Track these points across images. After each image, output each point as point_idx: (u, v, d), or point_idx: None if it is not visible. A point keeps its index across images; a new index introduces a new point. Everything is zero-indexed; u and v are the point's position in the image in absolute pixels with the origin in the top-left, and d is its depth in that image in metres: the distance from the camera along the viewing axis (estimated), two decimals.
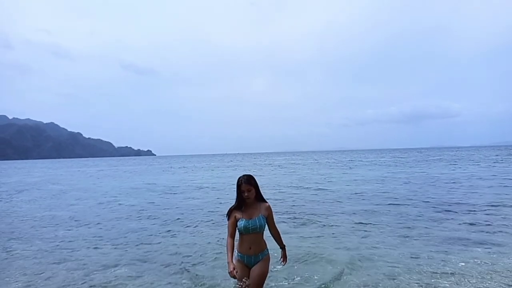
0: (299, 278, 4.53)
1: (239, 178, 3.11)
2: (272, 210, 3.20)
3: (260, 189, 3.18)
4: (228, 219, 3.15)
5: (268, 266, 3.17)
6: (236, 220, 3.06)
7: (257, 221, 3.03)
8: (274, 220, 3.26)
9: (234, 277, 2.88)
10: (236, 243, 3.13)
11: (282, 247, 3.33)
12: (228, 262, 2.92)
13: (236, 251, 3.13)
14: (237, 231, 3.10)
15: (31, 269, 5.26)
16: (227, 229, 3.13)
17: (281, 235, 3.31)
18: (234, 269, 2.90)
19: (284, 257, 3.34)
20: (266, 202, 3.19)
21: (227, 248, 3.03)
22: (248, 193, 3.04)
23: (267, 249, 3.18)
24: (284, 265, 3.37)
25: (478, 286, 4.13)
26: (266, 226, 3.17)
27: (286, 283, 4.37)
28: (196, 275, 4.83)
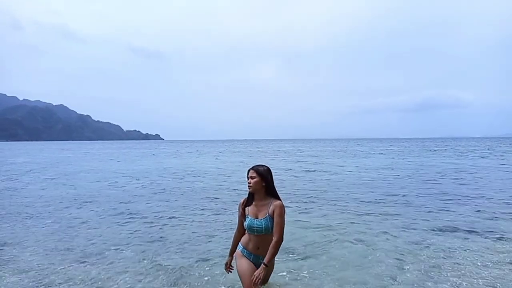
0: (305, 272, 4.31)
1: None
2: (284, 211, 2.67)
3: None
4: (238, 211, 2.91)
5: (273, 266, 2.99)
6: (244, 216, 2.79)
7: (263, 222, 2.64)
8: (281, 223, 2.62)
9: (227, 271, 3.04)
10: (244, 237, 2.86)
11: (266, 261, 2.57)
12: (228, 255, 3.02)
13: (242, 246, 2.82)
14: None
15: (40, 250, 5.36)
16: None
17: (278, 249, 2.62)
18: (228, 264, 2.98)
19: (258, 273, 2.52)
20: (279, 200, 2.72)
21: (232, 240, 2.98)
22: (251, 181, 2.70)
23: None
24: (253, 282, 2.52)
25: (483, 273, 4.15)
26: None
27: (290, 277, 4.13)
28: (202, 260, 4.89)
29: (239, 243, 2.86)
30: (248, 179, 2.75)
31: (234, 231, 2.98)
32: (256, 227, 2.64)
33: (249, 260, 2.74)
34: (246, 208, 2.77)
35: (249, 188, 2.74)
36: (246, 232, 2.79)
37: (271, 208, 2.66)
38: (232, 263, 2.97)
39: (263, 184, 2.70)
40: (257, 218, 2.67)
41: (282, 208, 2.66)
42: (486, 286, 3.84)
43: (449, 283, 3.92)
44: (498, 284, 3.85)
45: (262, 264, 2.58)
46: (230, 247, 3.01)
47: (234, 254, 2.88)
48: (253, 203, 2.75)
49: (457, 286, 3.84)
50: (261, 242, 2.69)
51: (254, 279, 2.49)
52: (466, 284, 3.87)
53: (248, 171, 2.79)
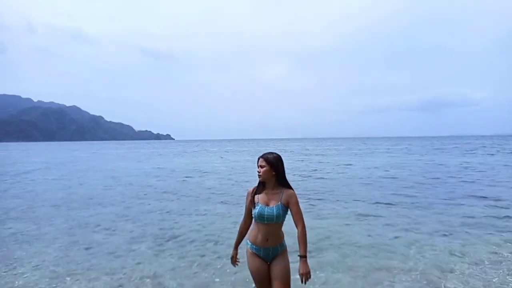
0: (318, 272, 4.31)
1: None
2: (298, 199, 2.56)
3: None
4: (246, 200, 2.71)
5: (289, 258, 2.64)
6: (253, 204, 2.61)
7: (274, 210, 2.48)
8: (300, 212, 2.52)
9: (234, 265, 2.82)
10: (250, 231, 2.68)
11: (302, 255, 2.44)
12: (233, 247, 2.82)
13: (250, 242, 2.63)
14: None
15: (54, 247, 5.49)
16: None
17: (307, 238, 2.49)
18: (234, 258, 2.81)
19: (303, 270, 2.40)
20: (291, 189, 2.60)
21: (238, 231, 2.77)
22: (261, 169, 2.56)
23: (284, 240, 2.67)
24: (304, 281, 2.42)
25: (495, 272, 4.23)
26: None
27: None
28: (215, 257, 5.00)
29: (247, 240, 2.68)
30: (258, 168, 2.61)
31: (240, 222, 2.78)
32: (267, 214, 2.47)
33: (259, 256, 2.58)
34: (256, 196, 2.61)
35: (259, 177, 2.61)
36: (253, 223, 2.63)
37: (284, 197, 2.53)
38: (239, 256, 2.81)
39: (273, 172, 2.55)
40: (268, 205, 2.52)
41: (296, 197, 2.56)
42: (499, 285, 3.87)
43: (459, 282, 3.95)
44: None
45: (300, 259, 2.43)
46: (236, 239, 2.81)
47: (245, 251, 2.70)
48: (264, 191, 2.61)
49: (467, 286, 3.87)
50: (270, 232, 2.53)
51: (305, 278, 2.40)
52: (477, 283, 3.90)
53: (258, 159, 2.63)
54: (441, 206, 8.26)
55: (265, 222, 2.49)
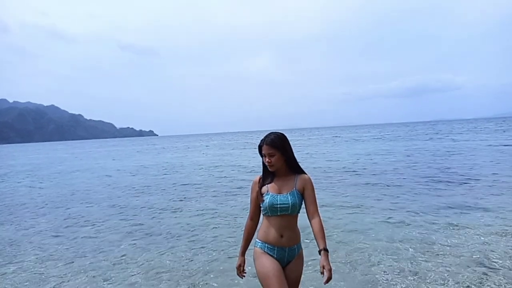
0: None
1: (262, 139, 2.21)
2: (314, 185, 2.18)
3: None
4: (251, 193, 2.25)
5: (303, 264, 2.22)
6: (261, 195, 2.14)
7: (289, 197, 2.07)
8: (316, 200, 2.17)
9: (240, 276, 2.23)
10: (259, 229, 2.21)
11: (322, 248, 1.99)
12: (239, 254, 2.26)
13: (260, 241, 2.16)
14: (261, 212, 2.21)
15: (43, 246, 5.49)
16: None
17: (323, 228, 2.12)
18: (241, 267, 2.23)
19: (328, 267, 1.90)
20: (305, 173, 2.20)
21: (243, 233, 2.26)
22: (270, 158, 2.11)
23: (301, 241, 2.23)
24: (327, 280, 1.88)
25: (478, 247, 4.33)
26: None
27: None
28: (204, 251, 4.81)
29: (256, 240, 2.19)
30: (264, 157, 2.15)
31: (245, 222, 2.27)
32: (280, 204, 2.06)
33: (273, 257, 2.09)
34: (265, 186, 2.16)
35: (270, 168, 2.14)
36: (264, 218, 2.17)
37: (298, 183, 2.13)
38: (246, 264, 2.27)
39: (285, 158, 2.14)
40: (280, 193, 2.10)
41: (312, 183, 2.18)
42: (476, 256, 4.05)
43: (441, 261, 4.00)
44: (488, 254, 4.09)
45: (322, 252, 1.95)
46: (241, 243, 2.25)
47: (252, 253, 2.19)
48: (273, 180, 2.18)
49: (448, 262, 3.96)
50: (284, 226, 2.09)
51: (328, 276, 1.87)
52: (456, 258, 4.03)
53: (260, 147, 2.17)
54: (423, 189, 8.37)
55: (278, 213, 2.08)
